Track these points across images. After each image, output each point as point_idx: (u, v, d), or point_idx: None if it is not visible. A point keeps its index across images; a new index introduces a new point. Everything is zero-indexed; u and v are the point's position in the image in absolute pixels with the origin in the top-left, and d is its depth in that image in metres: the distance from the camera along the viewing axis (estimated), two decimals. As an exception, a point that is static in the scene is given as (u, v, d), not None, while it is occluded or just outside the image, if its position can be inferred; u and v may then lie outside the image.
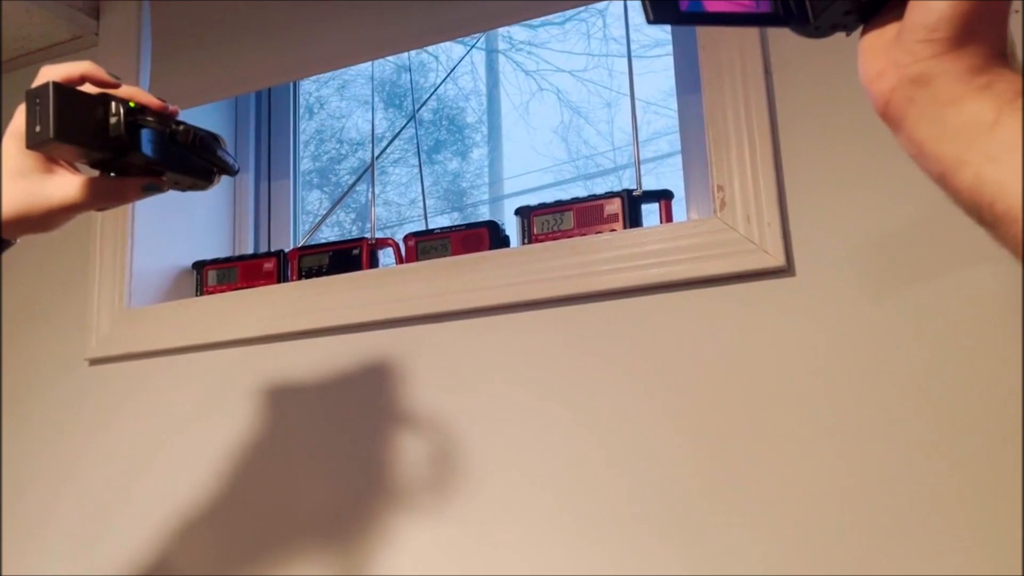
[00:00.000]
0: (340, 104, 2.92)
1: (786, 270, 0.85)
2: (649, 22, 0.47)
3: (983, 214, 0.41)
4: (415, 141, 1.96)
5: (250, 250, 1.23)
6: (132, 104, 0.63)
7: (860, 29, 0.47)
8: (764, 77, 0.89)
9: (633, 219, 1.00)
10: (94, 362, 1.14)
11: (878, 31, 0.45)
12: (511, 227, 1.09)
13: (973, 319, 0.78)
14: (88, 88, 0.63)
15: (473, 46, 2.01)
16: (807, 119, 0.88)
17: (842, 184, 0.85)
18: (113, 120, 0.62)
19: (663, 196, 1.02)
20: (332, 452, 1.01)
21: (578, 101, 3.08)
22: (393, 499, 0.96)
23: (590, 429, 0.90)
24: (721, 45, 0.91)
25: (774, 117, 0.89)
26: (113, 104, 0.62)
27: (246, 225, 1.23)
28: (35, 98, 0.61)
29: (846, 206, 0.85)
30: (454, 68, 1.87)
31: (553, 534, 0.89)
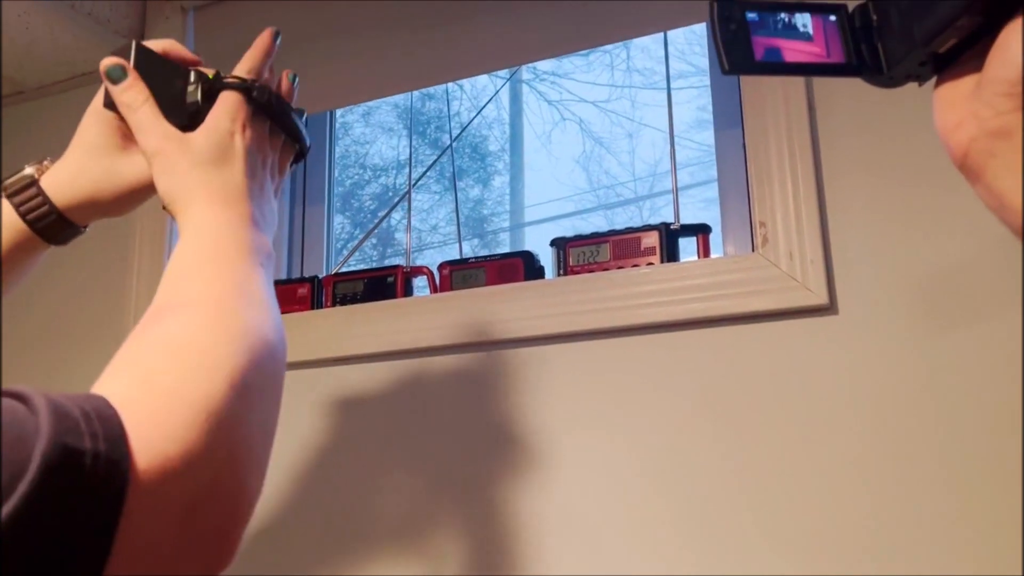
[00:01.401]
0: (365, 130, 2.95)
1: (829, 308, 0.85)
2: (724, 72, 0.48)
3: None
4: (441, 169, 1.97)
5: (283, 275, 1.23)
6: (211, 75, 0.63)
7: (934, 79, 0.48)
8: (807, 112, 0.90)
9: (670, 253, 1.00)
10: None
11: (954, 82, 0.46)
12: (545, 257, 1.09)
13: (1019, 365, 0.77)
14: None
15: (508, 80, 2.03)
16: (851, 154, 0.88)
17: (886, 222, 0.85)
18: (191, 87, 0.62)
19: (701, 230, 1.02)
20: (365, 478, 1.00)
21: (600, 131, 3.10)
22: (410, 543, 0.96)
23: (627, 464, 0.89)
24: (764, 79, 0.91)
25: (817, 152, 0.89)
26: (193, 74, 0.63)
27: (280, 250, 1.23)
28: (112, 56, 0.61)
29: (890, 244, 0.84)
30: (488, 101, 1.88)
31: (591, 564, 0.88)
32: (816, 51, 0.49)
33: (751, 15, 0.48)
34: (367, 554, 0.97)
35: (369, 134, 3.03)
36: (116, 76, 0.61)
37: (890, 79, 0.48)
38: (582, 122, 3.00)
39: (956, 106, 0.45)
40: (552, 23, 1.03)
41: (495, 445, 0.95)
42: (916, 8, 0.45)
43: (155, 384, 0.42)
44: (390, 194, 2.94)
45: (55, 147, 1.36)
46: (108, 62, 0.61)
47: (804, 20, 0.49)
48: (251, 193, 0.61)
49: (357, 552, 0.98)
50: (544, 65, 2.88)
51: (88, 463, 0.35)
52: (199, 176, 0.59)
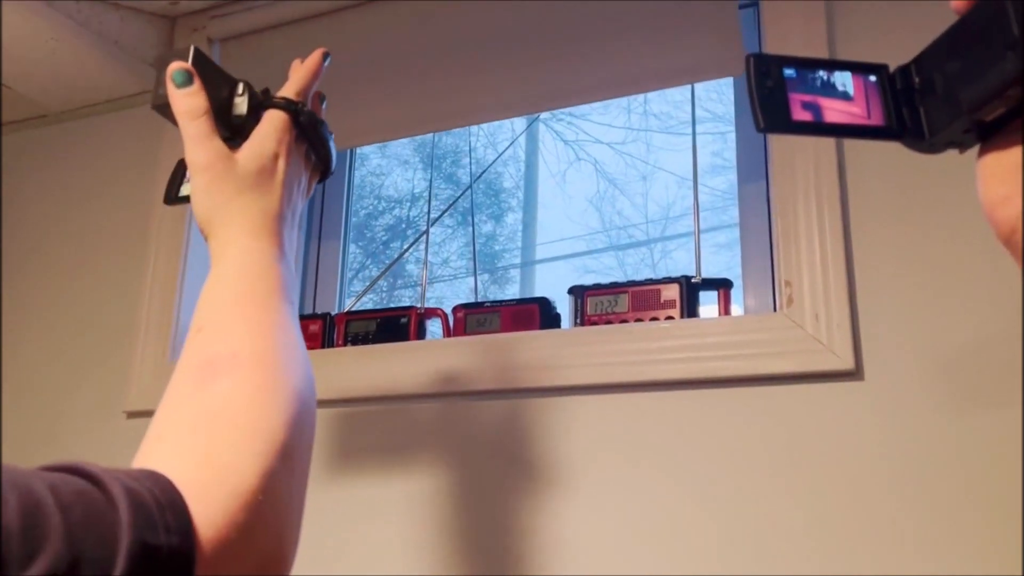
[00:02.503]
0: (381, 162, 2.96)
1: (855, 374, 0.83)
2: (759, 130, 0.46)
3: None
4: (456, 205, 1.97)
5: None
6: (259, 91, 0.63)
7: (977, 148, 0.46)
8: (837, 169, 0.88)
9: (690, 307, 0.98)
10: (132, 415, 1.12)
11: (1000, 152, 0.43)
12: (561, 303, 1.07)
13: (1054, 440, 0.75)
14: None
15: (529, 124, 2.03)
16: (881, 216, 0.86)
17: (917, 288, 0.83)
18: (239, 99, 0.62)
19: (722, 285, 1.00)
20: (364, 523, 0.97)
21: (615, 173, 3.10)
22: (428, 582, 0.93)
23: (638, 522, 0.86)
24: (794, 138, 0.90)
25: (846, 213, 0.87)
26: (241, 85, 0.63)
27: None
28: (173, 58, 0.61)
29: (920, 311, 0.82)
30: (513, 142, 1.88)
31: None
32: (856, 111, 0.47)
33: (788, 71, 0.46)
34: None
35: (385, 165, 3.04)
36: (181, 81, 0.60)
37: (931, 145, 0.46)
38: (597, 163, 3.01)
39: (1003, 179, 0.43)
40: (578, 72, 1.03)
41: (503, 496, 0.93)
42: (963, 74, 0.43)
43: (214, 462, 0.43)
44: (403, 226, 2.94)
45: (74, 171, 1.35)
46: (176, 66, 0.60)
47: (844, 78, 0.47)
48: (284, 221, 0.61)
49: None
50: (562, 105, 2.88)
51: (163, 557, 0.35)
52: (240, 199, 0.59)
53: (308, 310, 1.23)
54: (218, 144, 0.59)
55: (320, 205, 1.28)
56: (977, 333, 0.80)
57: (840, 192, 0.88)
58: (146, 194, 1.22)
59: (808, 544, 0.80)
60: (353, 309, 1.18)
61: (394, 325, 1.09)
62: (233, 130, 0.62)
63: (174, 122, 0.61)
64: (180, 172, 0.69)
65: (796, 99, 0.46)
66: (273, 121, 0.62)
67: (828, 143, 0.89)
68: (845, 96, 0.47)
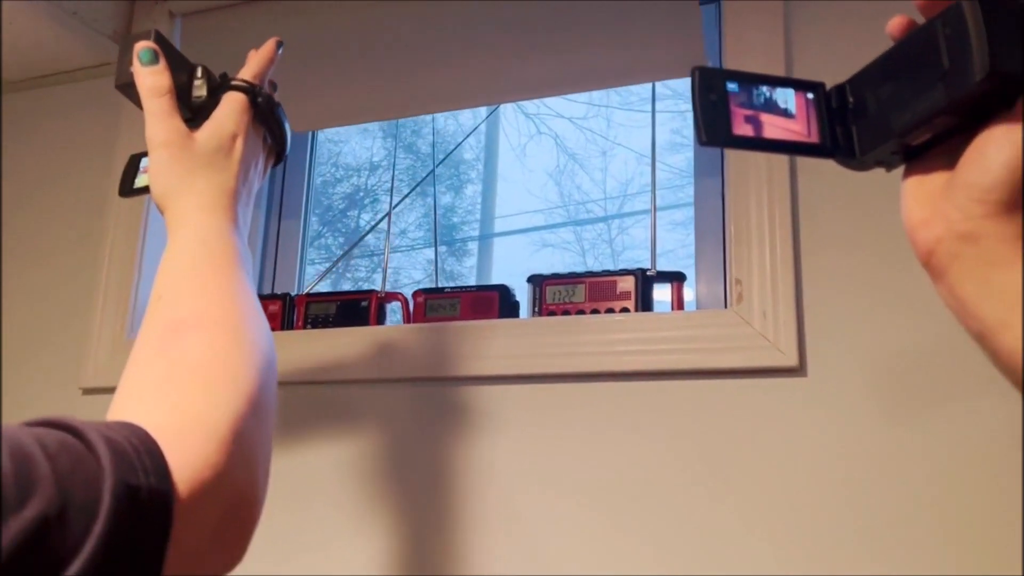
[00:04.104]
0: (338, 128, 2.91)
1: (798, 370, 0.87)
2: (700, 143, 0.47)
3: (1021, 379, 0.42)
4: (413, 174, 1.96)
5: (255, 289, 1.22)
6: (219, 76, 0.66)
7: (903, 168, 0.48)
8: (789, 176, 0.91)
9: (645, 298, 1.01)
10: (88, 391, 1.12)
11: (922, 177, 0.46)
12: (520, 290, 1.10)
13: (977, 448, 0.79)
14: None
15: (492, 113, 2.03)
16: (829, 223, 0.90)
17: (860, 292, 0.87)
18: (198, 82, 0.65)
19: (676, 278, 1.03)
20: (327, 503, 0.99)
21: (575, 147, 3.11)
22: (351, 568, 0.95)
23: (589, 509, 0.90)
24: (749, 141, 0.93)
25: (796, 217, 0.91)
26: (200, 69, 0.65)
27: (253, 261, 1.22)
28: (136, 39, 0.63)
29: (863, 315, 0.86)
30: (477, 127, 1.88)
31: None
32: (795, 128, 0.48)
33: (732, 86, 0.47)
34: (307, 569, 0.97)
35: (343, 132, 2.99)
36: (148, 59, 0.62)
37: (860, 163, 0.49)
38: (557, 137, 3.01)
39: (925, 202, 0.45)
40: (541, 66, 1.04)
41: (455, 482, 0.95)
42: (895, 99, 0.45)
43: (187, 411, 0.45)
44: (360, 194, 2.91)
45: (30, 143, 1.32)
46: (144, 44, 0.63)
47: (787, 95, 0.49)
48: (239, 198, 0.63)
49: (292, 568, 0.97)
50: (524, 78, 2.87)
51: (144, 498, 0.37)
52: (197, 177, 0.61)
53: (267, 290, 1.23)
54: (178, 122, 0.62)
55: (280, 185, 1.27)
56: (917, 335, 0.84)
57: (791, 196, 0.91)
58: (105, 167, 1.20)
59: (747, 537, 0.85)
60: (312, 291, 1.19)
61: (354, 308, 1.10)
62: (194, 112, 0.64)
63: (136, 102, 0.63)
64: (134, 165, 0.70)
65: (739, 113, 0.47)
66: (232, 103, 0.65)
67: (782, 147, 0.92)
68: (787, 113, 0.48)
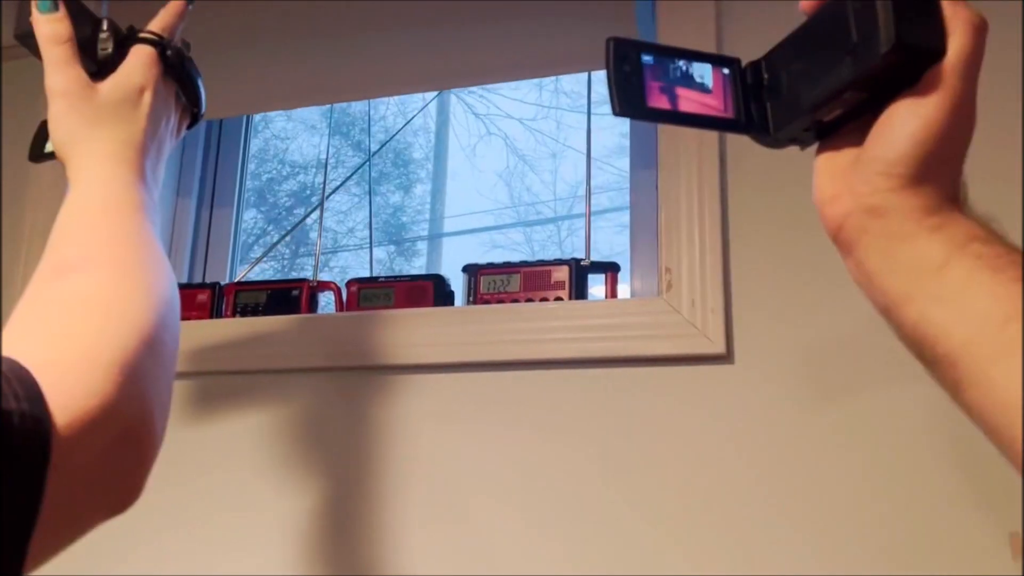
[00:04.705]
0: (286, 125, 2.87)
1: (725, 357, 0.87)
2: (615, 114, 0.46)
3: (924, 352, 0.42)
4: (362, 172, 1.94)
5: (184, 279, 1.19)
6: (125, 30, 0.64)
7: (816, 146, 0.49)
8: (719, 167, 0.92)
9: (579, 288, 1.01)
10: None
11: (833, 153, 0.46)
12: (456, 282, 1.09)
13: (902, 432, 0.81)
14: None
15: (432, 100, 2.02)
16: (758, 213, 0.91)
17: (788, 281, 0.88)
18: (104, 35, 0.63)
19: (610, 268, 1.03)
20: (254, 493, 0.97)
21: (525, 149, 3.11)
22: (280, 561, 0.93)
23: (519, 495, 0.89)
24: (681, 130, 0.93)
25: (726, 207, 0.92)
26: (106, 23, 0.64)
27: (182, 251, 1.19)
28: None
29: (790, 303, 0.87)
30: (417, 112, 1.87)
31: (473, 603, 0.87)
32: (713, 104, 0.48)
33: (647, 58, 0.47)
34: (235, 565, 0.94)
35: (291, 129, 2.95)
36: (46, 7, 0.60)
37: (775, 140, 0.49)
38: (507, 138, 3.01)
39: (835, 178, 0.45)
40: (478, 53, 1.04)
41: (383, 472, 0.94)
42: (806, 74, 0.45)
43: (70, 344, 0.45)
44: (307, 192, 2.88)
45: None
46: None
47: (703, 71, 0.48)
48: (147, 152, 0.62)
49: (222, 562, 0.95)
50: (474, 78, 2.87)
51: (16, 422, 0.37)
52: (100, 128, 0.59)
53: (198, 280, 1.20)
54: (79, 71, 0.60)
55: (214, 170, 1.24)
56: (844, 322, 0.85)
57: (721, 185, 0.92)
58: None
59: (677, 519, 0.85)
60: (245, 280, 1.16)
61: (285, 297, 1.08)
62: (100, 65, 0.63)
63: (36, 53, 0.61)
64: (44, 129, 0.68)
65: (653, 86, 0.47)
66: (139, 55, 0.63)
67: (712, 139, 0.93)
68: (703, 88, 0.48)
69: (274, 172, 3.02)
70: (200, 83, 0.69)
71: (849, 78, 0.42)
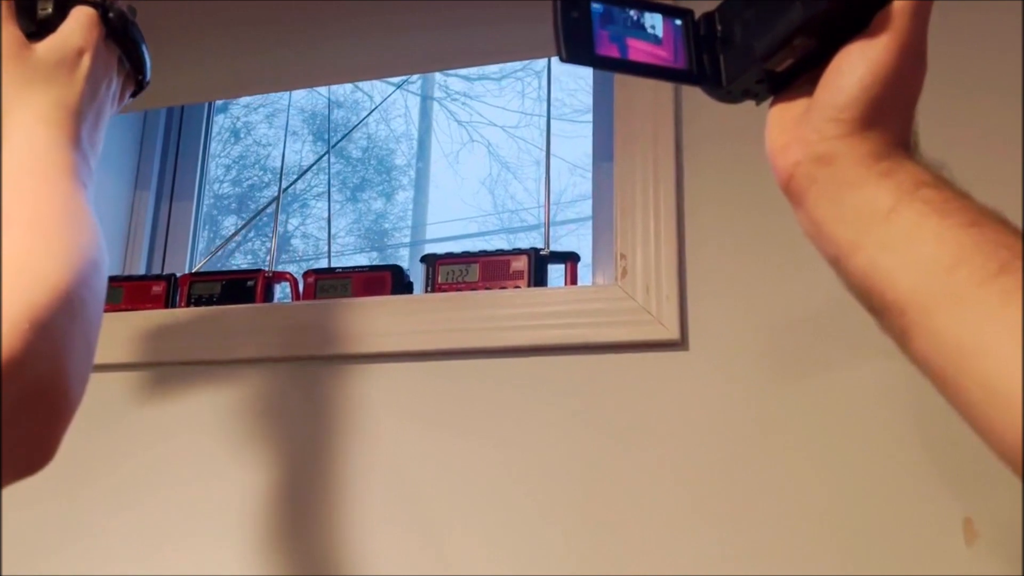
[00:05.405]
0: (268, 132, 2.87)
1: (680, 344, 0.86)
2: (562, 61, 0.45)
3: (872, 301, 0.41)
4: (344, 179, 1.93)
5: (142, 271, 1.17)
6: None
7: (769, 101, 0.48)
8: (675, 152, 0.91)
9: (538, 278, 1.00)
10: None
11: (786, 104, 0.46)
12: (416, 273, 1.07)
13: (861, 412, 0.79)
14: None
15: (399, 86, 2.01)
16: (713, 199, 0.90)
17: (744, 268, 0.87)
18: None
19: (569, 258, 1.02)
20: (213, 485, 0.95)
21: (507, 156, 3.11)
22: (240, 552, 0.91)
23: (478, 483, 0.88)
24: (636, 115, 0.93)
25: (681, 193, 0.91)
26: None
27: (140, 245, 1.17)
28: None
29: (745, 289, 0.86)
30: (379, 105, 1.86)
31: (424, 596, 0.85)
32: (663, 55, 0.47)
33: (596, 6, 0.46)
34: (191, 561, 0.92)
35: (272, 136, 2.95)
36: None
37: (728, 93, 0.48)
38: (491, 145, 3.00)
39: (786, 128, 0.45)
40: (434, 40, 1.03)
41: (345, 460, 0.92)
42: (757, 23, 0.44)
43: None
44: (289, 199, 2.86)
45: None
46: None
47: (654, 21, 0.48)
48: (84, 117, 0.60)
49: (177, 557, 0.93)
50: (456, 85, 2.88)
51: None
52: (34, 89, 0.58)
53: (157, 273, 1.19)
54: (14, 30, 0.59)
55: (174, 165, 1.23)
56: (799, 307, 0.84)
57: (676, 171, 0.91)
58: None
59: (635, 504, 0.83)
60: (200, 271, 1.14)
61: (240, 288, 1.06)
62: (39, 26, 0.61)
63: None
64: None
65: (603, 35, 0.46)
66: (79, 16, 0.62)
67: (667, 123, 0.92)
68: (654, 39, 0.47)
69: (255, 179, 3.01)
70: (145, 49, 0.67)
71: (798, 22, 0.41)
